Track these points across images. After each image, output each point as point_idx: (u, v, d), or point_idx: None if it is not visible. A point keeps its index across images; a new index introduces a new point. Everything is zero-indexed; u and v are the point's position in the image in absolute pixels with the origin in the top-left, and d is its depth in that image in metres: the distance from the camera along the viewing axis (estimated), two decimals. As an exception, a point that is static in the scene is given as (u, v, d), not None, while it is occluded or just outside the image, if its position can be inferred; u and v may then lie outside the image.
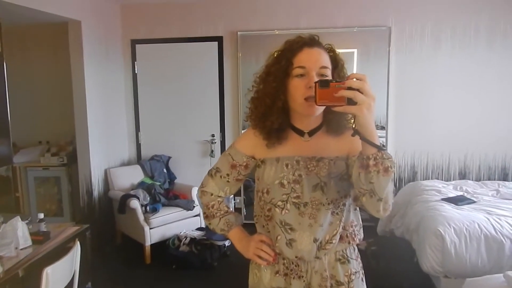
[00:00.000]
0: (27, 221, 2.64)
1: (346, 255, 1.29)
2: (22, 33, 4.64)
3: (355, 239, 1.29)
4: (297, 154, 1.23)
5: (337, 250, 1.27)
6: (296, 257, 1.24)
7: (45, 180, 4.29)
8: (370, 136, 0.96)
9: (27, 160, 4.34)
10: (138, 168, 4.47)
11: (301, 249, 1.22)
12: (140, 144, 4.80)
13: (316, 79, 1.12)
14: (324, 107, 1.14)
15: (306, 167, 1.22)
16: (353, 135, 0.99)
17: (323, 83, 0.96)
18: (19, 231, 2.27)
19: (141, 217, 3.78)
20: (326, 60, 1.18)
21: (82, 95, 3.91)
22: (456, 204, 3.19)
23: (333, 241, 1.23)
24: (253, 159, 1.31)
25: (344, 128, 1.25)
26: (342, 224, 1.24)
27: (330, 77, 1.18)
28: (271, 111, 1.21)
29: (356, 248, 1.34)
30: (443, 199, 3.32)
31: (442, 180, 4.23)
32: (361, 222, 1.33)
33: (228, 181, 1.35)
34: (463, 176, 4.36)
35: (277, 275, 1.30)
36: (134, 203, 3.74)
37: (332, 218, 1.23)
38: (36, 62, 4.72)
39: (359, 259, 1.35)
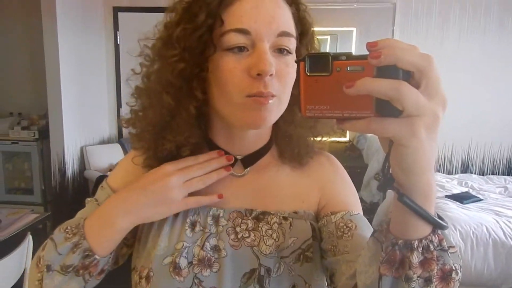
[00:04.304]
0: (-22, 206, 2.32)
1: None
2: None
3: None
4: (217, 204, 0.69)
5: None
6: None
7: (14, 155, 3.96)
8: (423, 196, 0.44)
9: (-5, 132, 3.99)
10: (118, 147, 4.13)
11: None
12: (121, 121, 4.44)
13: (270, 53, 0.59)
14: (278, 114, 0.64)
15: (232, 231, 0.67)
16: (380, 189, 0.47)
17: (318, 63, 0.42)
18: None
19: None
20: (287, 19, 0.62)
21: (55, 65, 3.54)
22: (462, 203, 2.91)
23: None
24: None
25: (313, 153, 0.75)
26: None
27: (293, 52, 0.63)
28: (174, 121, 0.65)
29: None
30: (447, 196, 3.05)
31: (443, 173, 3.95)
32: None
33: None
34: (465, 168, 4.08)
35: None
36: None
37: None
38: (8, 28, 4.31)
39: None
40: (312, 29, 0.69)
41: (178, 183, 0.65)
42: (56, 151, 3.71)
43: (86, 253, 0.65)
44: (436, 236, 0.46)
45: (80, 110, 3.88)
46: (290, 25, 0.63)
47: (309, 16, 0.68)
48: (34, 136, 3.87)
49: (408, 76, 0.39)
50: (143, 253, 0.69)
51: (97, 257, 0.66)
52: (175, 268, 0.64)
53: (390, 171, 0.44)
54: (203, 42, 0.60)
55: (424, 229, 0.46)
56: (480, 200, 3.04)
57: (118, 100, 4.38)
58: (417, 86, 0.39)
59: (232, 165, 0.70)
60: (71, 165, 3.82)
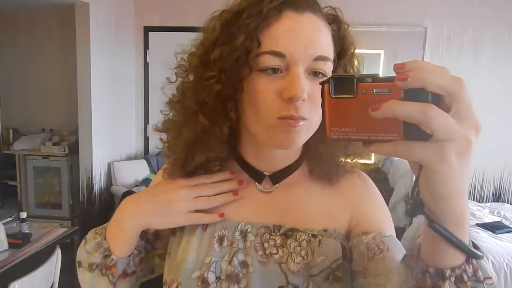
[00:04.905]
0: (10, 219, 2.39)
1: None
2: (28, 16, 4.40)
3: None
4: (246, 218, 0.69)
5: None
6: None
7: (44, 170, 4.05)
8: (454, 223, 0.42)
9: (28, 148, 4.11)
10: (144, 163, 4.19)
11: None
12: (148, 137, 4.51)
13: (304, 77, 0.58)
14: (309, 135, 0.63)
15: (260, 247, 0.66)
16: (409, 214, 0.47)
17: (343, 84, 0.42)
18: (-6, 233, 2.01)
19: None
20: (326, 42, 0.61)
21: (87, 82, 3.64)
22: (494, 232, 2.81)
23: None
24: None
25: (344, 171, 0.73)
26: None
27: (329, 74, 0.61)
28: (206, 138, 0.65)
29: None
30: (478, 225, 2.94)
31: (474, 200, 3.83)
32: None
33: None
34: (497, 197, 3.94)
35: None
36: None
37: None
38: (43, 46, 4.48)
39: None
40: (352, 48, 0.68)
41: (186, 198, 0.67)
42: (84, 166, 3.77)
43: (106, 253, 0.69)
44: (471, 265, 0.44)
45: (109, 127, 3.96)
46: (328, 49, 0.61)
47: (349, 36, 0.67)
48: (64, 151, 3.97)
49: (438, 99, 0.38)
50: (172, 266, 0.69)
51: (114, 257, 0.68)
52: (203, 282, 0.64)
53: (420, 196, 0.43)
54: (240, 63, 0.60)
55: (457, 257, 0.44)
56: (513, 230, 2.92)
57: (145, 117, 4.47)
58: (447, 109, 0.38)
59: (260, 181, 0.70)
60: (98, 181, 3.88)
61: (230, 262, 0.65)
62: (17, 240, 2.11)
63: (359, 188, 0.73)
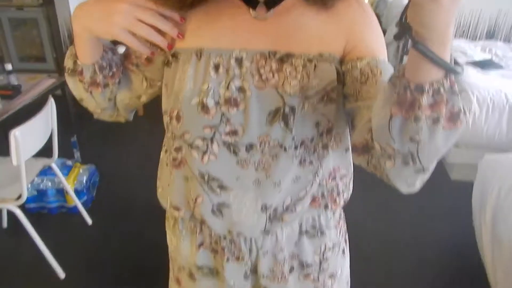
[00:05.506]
0: (-5, 72, 2.33)
1: (319, 225, 0.80)
2: None
3: (337, 200, 0.78)
4: (240, 45, 0.68)
5: (303, 218, 0.78)
6: (229, 232, 0.76)
7: (21, 22, 3.82)
8: (437, 44, 0.45)
9: (-3, -2, 3.80)
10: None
11: (239, 220, 0.73)
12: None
13: None
14: None
15: (256, 72, 0.66)
16: (397, 38, 0.49)
17: None
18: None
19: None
20: None
21: None
22: (483, 69, 2.84)
23: (298, 208, 0.74)
24: (159, 49, 0.72)
25: None
26: (318, 179, 0.74)
27: None
28: None
29: (337, 210, 0.83)
30: (468, 63, 2.95)
31: (467, 39, 3.78)
32: (352, 170, 0.80)
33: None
34: (491, 35, 3.88)
35: (201, 249, 0.81)
36: (123, 48, 3.36)
37: (301, 170, 0.72)
38: None
39: (341, 223, 0.85)
40: None
41: (127, 13, 0.64)
42: (63, 16, 3.58)
43: (74, 59, 0.73)
44: (448, 80, 0.47)
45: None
46: None
47: None
48: (38, 1, 3.69)
49: None
50: (171, 96, 0.72)
51: (78, 62, 0.72)
52: (203, 107, 0.68)
53: (408, 21, 0.45)
54: None
55: (437, 73, 0.46)
56: (502, 68, 2.94)
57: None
58: None
59: (255, 7, 0.68)
60: (80, 32, 3.71)
61: (227, 88, 0.67)
62: (7, 92, 2.10)
63: (356, 12, 0.70)
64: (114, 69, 0.75)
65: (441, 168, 2.79)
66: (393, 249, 2.11)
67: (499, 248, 1.58)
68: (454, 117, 0.48)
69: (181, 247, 0.83)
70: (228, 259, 0.79)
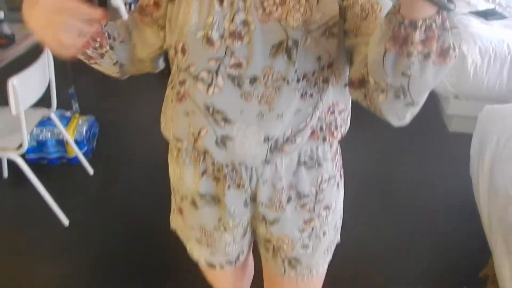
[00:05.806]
0: (-14, 21, 2.25)
1: (317, 156, 0.82)
2: None
3: (335, 134, 0.80)
4: None
5: (302, 150, 0.80)
6: (232, 162, 0.79)
7: (9, -30, 3.67)
8: None
9: None
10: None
11: (241, 152, 0.76)
12: None
13: None
14: None
15: (260, 6, 0.68)
16: None
17: None
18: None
19: (124, 16, 3.35)
20: None
21: None
22: (486, 19, 2.78)
23: (297, 140, 0.76)
24: None
25: None
26: (317, 112, 0.76)
27: None
28: None
29: (334, 143, 0.86)
30: (471, 12, 2.89)
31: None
32: (350, 106, 0.83)
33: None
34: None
35: (204, 177, 0.84)
36: (116, 1, 3.26)
37: (302, 103, 0.74)
38: None
39: (337, 157, 0.88)
40: None
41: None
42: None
43: None
44: (440, 17, 0.49)
45: None
46: None
47: None
48: None
49: None
50: (175, 30, 0.73)
51: None
52: (208, 40, 0.70)
53: None
54: None
55: (430, 10, 0.49)
56: (506, 17, 2.89)
57: None
58: None
59: None
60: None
61: (232, 21, 0.69)
62: (1, 41, 2.04)
63: None
64: (99, 39, 0.78)
65: (439, 120, 2.80)
66: (390, 198, 2.16)
67: (495, 196, 1.61)
68: (444, 53, 0.51)
69: (185, 176, 0.86)
70: (229, 186, 0.83)
